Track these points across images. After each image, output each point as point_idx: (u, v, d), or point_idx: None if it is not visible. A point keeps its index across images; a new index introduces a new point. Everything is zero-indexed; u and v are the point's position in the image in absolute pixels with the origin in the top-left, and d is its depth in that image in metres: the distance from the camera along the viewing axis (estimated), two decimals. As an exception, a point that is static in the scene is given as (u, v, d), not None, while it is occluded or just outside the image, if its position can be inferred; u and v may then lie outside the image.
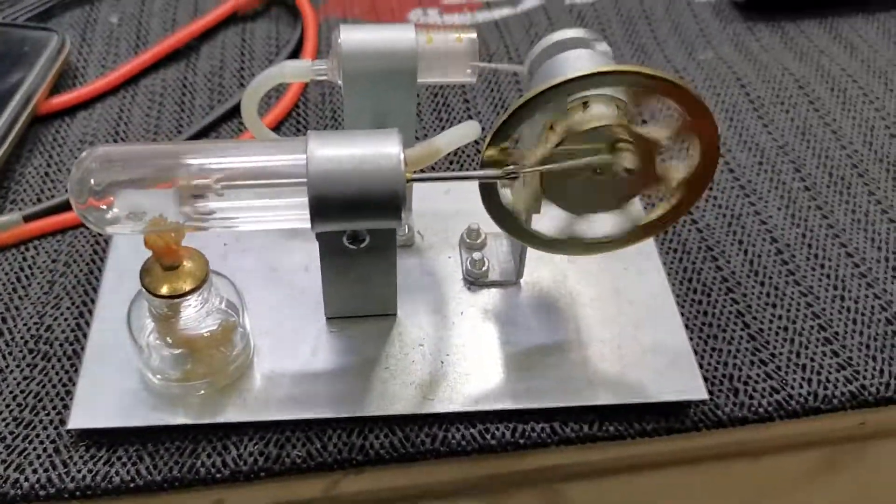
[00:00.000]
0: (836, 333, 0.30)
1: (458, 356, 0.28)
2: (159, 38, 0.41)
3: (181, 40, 0.41)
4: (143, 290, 0.24)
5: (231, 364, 0.27)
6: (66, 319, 0.30)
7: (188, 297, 0.25)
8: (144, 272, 0.24)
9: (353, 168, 0.23)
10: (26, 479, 0.25)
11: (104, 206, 0.23)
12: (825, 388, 0.28)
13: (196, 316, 0.26)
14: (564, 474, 0.29)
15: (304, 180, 0.23)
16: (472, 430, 0.27)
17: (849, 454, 0.32)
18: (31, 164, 0.35)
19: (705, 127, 0.24)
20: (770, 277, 0.32)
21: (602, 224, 0.27)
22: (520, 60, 0.42)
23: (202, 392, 0.27)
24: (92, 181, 0.22)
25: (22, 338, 0.29)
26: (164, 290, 0.24)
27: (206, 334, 0.26)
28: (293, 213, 0.24)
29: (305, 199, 0.23)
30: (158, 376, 0.26)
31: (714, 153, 0.24)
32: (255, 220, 0.24)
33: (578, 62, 0.25)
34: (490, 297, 0.30)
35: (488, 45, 0.43)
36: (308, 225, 0.24)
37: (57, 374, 0.28)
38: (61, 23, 0.42)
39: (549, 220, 0.27)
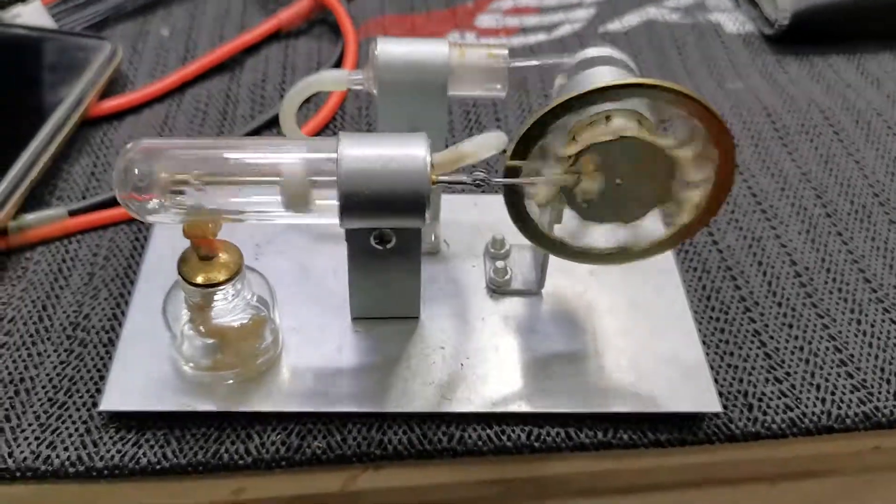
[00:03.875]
0: (852, 356, 0.30)
1: (478, 359, 0.29)
2: (206, 51, 0.43)
3: (227, 53, 0.43)
4: (180, 278, 0.26)
5: (259, 357, 0.28)
6: (102, 309, 0.31)
7: (221, 288, 0.26)
8: (182, 261, 0.26)
9: (382, 167, 0.24)
10: (57, 457, 0.26)
11: (144, 198, 0.24)
12: (839, 408, 0.29)
13: (228, 307, 0.27)
14: (578, 489, 0.30)
15: (335, 178, 0.24)
16: (488, 431, 0.28)
17: (865, 485, 0.32)
18: (78, 163, 0.37)
19: (723, 142, 0.24)
20: (788, 299, 0.32)
21: (625, 234, 0.28)
22: (552, 84, 0.43)
23: (230, 382, 0.28)
24: (136, 171, 0.24)
25: (61, 325, 0.30)
26: (199, 279, 0.26)
27: (237, 326, 0.27)
28: (324, 210, 0.25)
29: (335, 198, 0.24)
30: (190, 364, 0.28)
31: (730, 177, 0.25)
32: (288, 216, 0.25)
33: (602, 77, 0.27)
34: (511, 305, 0.31)
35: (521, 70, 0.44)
36: (335, 221, 0.25)
37: (92, 359, 0.29)
38: (115, 34, 0.44)
39: (571, 229, 0.27)
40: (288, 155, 0.24)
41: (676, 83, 0.24)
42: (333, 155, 0.24)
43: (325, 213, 0.25)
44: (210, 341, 0.27)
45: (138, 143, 0.24)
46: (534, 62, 0.29)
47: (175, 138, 0.25)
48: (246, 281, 0.27)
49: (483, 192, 0.37)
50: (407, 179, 0.24)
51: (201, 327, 0.27)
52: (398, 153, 0.24)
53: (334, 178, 0.24)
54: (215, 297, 0.26)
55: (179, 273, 0.26)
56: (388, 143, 0.24)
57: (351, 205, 0.24)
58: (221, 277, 0.26)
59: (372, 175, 0.24)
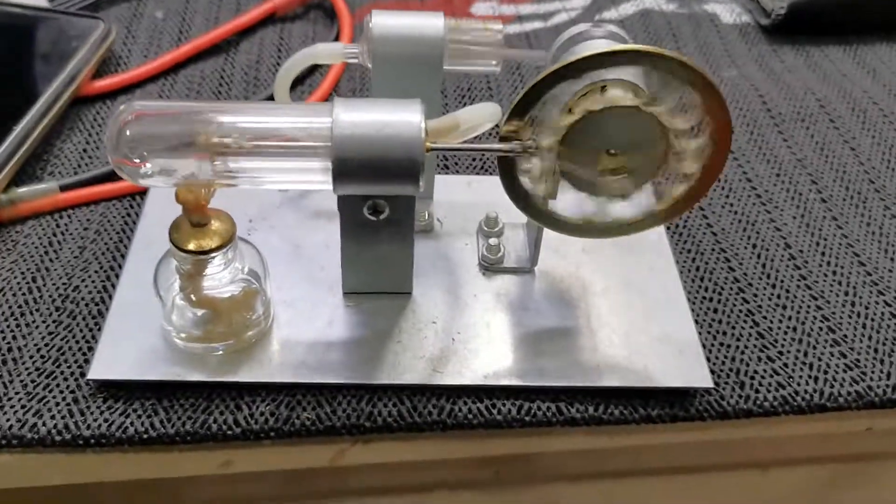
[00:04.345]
0: (845, 336, 0.30)
1: (470, 335, 0.29)
2: (201, 33, 0.43)
3: (221, 35, 0.43)
4: (171, 245, 0.25)
5: (250, 328, 0.28)
6: (93, 282, 0.31)
7: (213, 255, 0.26)
8: (173, 227, 0.26)
9: (376, 133, 0.24)
10: (44, 425, 0.26)
11: (137, 160, 0.24)
12: (831, 387, 0.28)
13: (220, 277, 0.27)
14: (568, 474, 0.30)
15: (329, 144, 0.24)
16: (479, 405, 0.27)
17: (858, 474, 0.32)
18: (70, 140, 0.37)
19: (716, 107, 0.24)
20: (782, 281, 0.32)
21: (619, 208, 0.27)
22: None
23: (220, 352, 0.28)
24: (127, 132, 0.24)
25: (50, 296, 0.30)
26: (191, 245, 0.25)
27: (228, 297, 0.27)
28: (317, 175, 0.25)
29: (329, 162, 0.24)
30: (181, 335, 0.27)
31: (727, 133, 0.25)
32: (280, 181, 0.25)
33: (598, 47, 0.26)
34: (504, 282, 0.31)
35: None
36: (328, 187, 0.25)
37: (81, 331, 0.29)
38: (109, 15, 0.44)
39: (565, 202, 0.27)
40: (280, 119, 0.24)
41: (664, 49, 0.24)
42: (327, 119, 0.24)
43: (317, 180, 0.25)
44: (201, 312, 0.27)
45: (131, 105, 0.24)
46: (527, 52, 0.29)
47: (167, 101, 0.25)
48: (238, 252, 0.27)
49: (477, 172, 0.37)
50: (401, 145, 0.24)
51: (192, 296, 0.27)
52: (393, 119, 0.24)
53: (328, 143, 0.24)
54: (207, 266, 0.26)
55: (171, 240, 0.25)
56: (383, 108, 0.24)
57: (344, 170, 0.24)
58: (213, 245, 0.25)
59: (366, 140, 0.24)
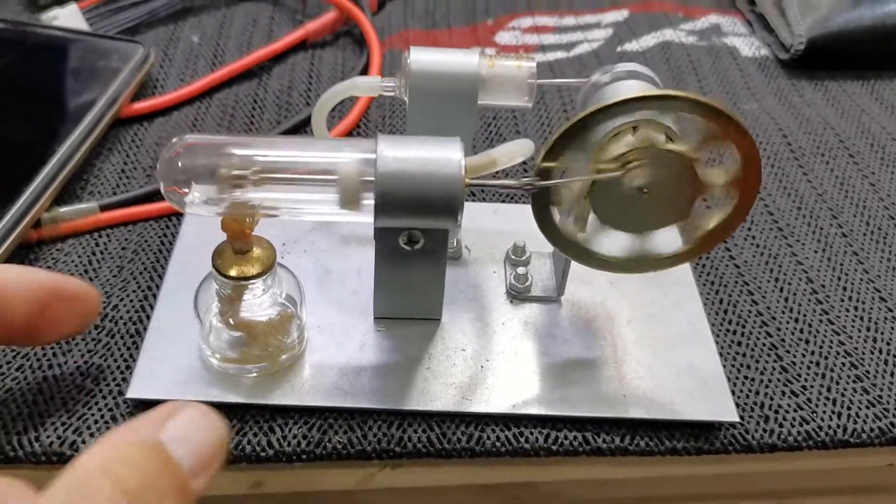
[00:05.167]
0: (868, 372, 0.31)
1: (498, 362, 0.30)
2: (235, 58, 0.44)
3: (255, 61, 0.44)
4: (214, 270, 0.26)
5: (285, 352, 0.29)
6: (131, 301, 0.31)
7: (253, 282, 0.26)
8: (216, 254, 0.26)
9: (418, 169, 0.25)
10: (83, 442, 0.27)
11: (185, 191, 0.25)
12: (854, 423, 0.29)
13: (258, 302, 0.27)
14: (594, 500, 0.30)
15: (373, 179, 0.25)
16: (506, 433, 0.28)
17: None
18: (109, 161, 0.38)
19: (738, 136, 0.25)
20: (804, 315, 0.33)
21: (648, 244, 0.28)
22: (571, 100, 0.44)
23: (254, 374, 0.28)
24: (179, 164, 0.25)
25: (90, 315, 0.31)
26: (233, 272, 0.26)
27: (264, 321, 0.28)
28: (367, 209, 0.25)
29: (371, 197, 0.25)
30: (217, 356, 0.28)
31: (755, 157, 0.25)
32: (320, 213, 0.26)
33: (631, 89, 0.27)
34: (531, 311, 0.32)
35: (541, 85, 0.45)
36: (368, 220, 0.26)
37: (119, 349, 0.30)
38: (147, 38, 0.45)
39: (596, 237, 0.28)
40: (326, 154, 0.25)
41: (682, 91, 0.24)
42: (372, 155, 0.25)
43: (367, 211, 0.25)
44: (237, 334, 0.28)
45: (183, 138, 0.25)
46: (562, 80, 0.30)
47: (217, 135, 0.26)
48: (277, 277, 0.28)
49: (503, 200, 0.38)
50: (442, 182, 0.25)
51: (230, 319, 0.28)
52: (434, 156, 0.25)
53: (372, 178, 0.25)
54: (246, 291, 0.27)
55: (213, 265, 0.26)
56: (425, 146, 0.25)
57: (386, 204, 0.25)
58: (254, 272, 0.26)
59: (408, 176, 0.25)
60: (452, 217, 0.25)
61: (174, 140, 0.25)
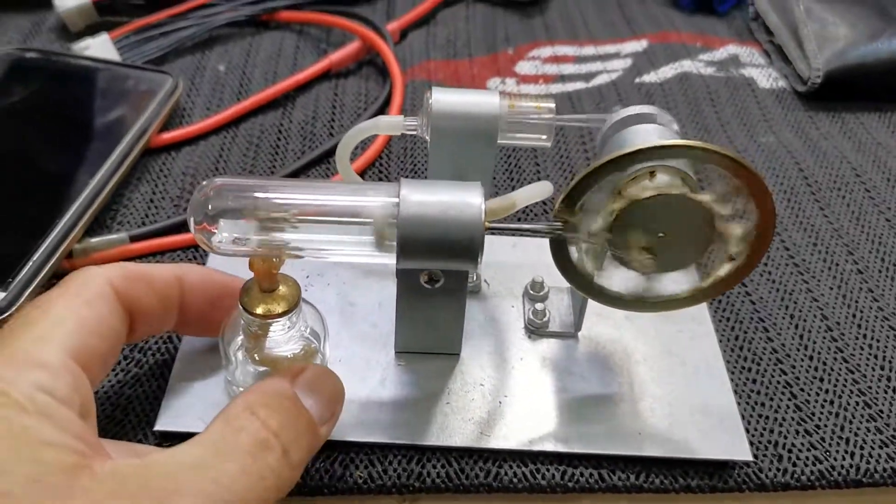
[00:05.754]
0: (881, 412, 0.31)
1: (516, 398, 0.30)
2: (260, 87, 0.45)
3: (279, 91, 0.45)
4: (240, 307, 0.27)
5: None
6: (160, 335, 0.32)
7: (279, 319, 0.27)
8: (244, 291, 0.27)
9: (440, 213, 0.25)
10: (114, 472, 0.28)
11: (214, 231, 0.26)
12: (868, 463, 0.29)
13: (283, 338, 0.28)
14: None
15: (395, 221, 0.25)
16: (524, 469, 0.29)
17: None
18: (138, 190, 0.39)
19: (758, 190, 0.26)
20: (819, 353, 0.33)
21: (664, 285, 0.29)
22: (590, 134, 0.44)
23: None
24: (209, 206, 0.25)
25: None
26: (259, 310, 0.27)
27: (289, 356, 0.29)
28: (378, 249, 0.26)
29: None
30: (241, 389, 0.29)
31: (771, 221, 0.26)
32: (344, 254, 0.27)
33: (647, 134, 0.28)
34: (549, 346, 0.32)
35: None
36: (391, 262, 0.26)
37: (148, 381, 0.31)
38: (174, 67, 0.47)
39: (612, 277, 0.29)
40: (350, 197, 0.26)
41: (723, 146, 0.25)
42: (395, 199, 0.26)
43: (379, 254, 0.26)
44: (262, 369, 0.29)
45: (213, 181, 0.26)
46: (579, 118, 0.31)
47: (245, 177, 0.27)
48: (301, 314, 0.29)
49: (522, 234, 0.38)
50: (463, 226, 0.25)
51: (255, 355, 0.28)
52: (455, 200, 0.26)
53: (394, 220, 0.25)
54: (272, 328, 0.28)
55: (240, 302, 0.27)
56: (446, 190, 0.26)
57: (408, 247, 0.26)
58: (280, 310, 0.27)
59: (430, 220, 0.25)
60: (473, 260, 0.26)
61: (204, 182, 0.26)
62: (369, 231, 0.26)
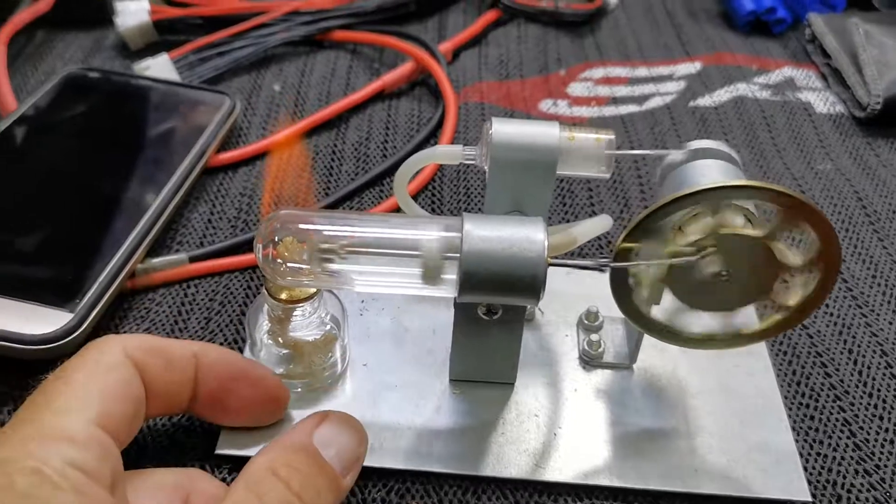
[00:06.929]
0: (945, 454, 0.30)
1: (571, 430, 0.30)
2: (315, 106, 0.46)
3: (334, 112, 0.45)
4: (265, 291, 0.29)
5: (327, 370, 0.31)
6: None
7: (301, 305, 0.29)
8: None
9: (502, 249, 0.26)
10: (176, 493, 0.28)
11: (280, 260, 0.27)
12: (931, 507, 0.29)
13: (305, 323, 0.30)
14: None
15: (458, 255, 0.26)
16: (579, 503, 0.29)
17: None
18: (197, 210, 0.40)
19: (829, 246, 0.25)
20: (878, 390, 0.33)
21: (720, 323, 0.29)
22: (645, 166, 0.44)
23: (298, 390, 0.31)
24: (276, 238, 0.26)
25: (179, 365, 0.33)
26: (284, 295, 0.29)
27: (310, 340, 0.30)
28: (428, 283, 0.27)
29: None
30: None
31: (831, 282, 0.26)
32: (394, 287, 0.27)
33: (710, 170, 0.28)
34: (603, 377, 0.32)
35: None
36: (450, 296, 0.27)
37: (207, 401, 0.31)
38: (231, 87, 0.48)
39: (668, 313, 0.29)
40: (421, 231, 0.26)
41: (787, 188, 0.25)
42: (458, 234, 0.26)
43: (446, 287, 0.26)
44: (285, 352, 0.30)
45: (280, 212, 0.27)
46: (639, 154, 0.30)
47: (311, 211, 0.28)
48: (322, 300, 0.30)
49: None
50: (526, 263, 0.26)
51: (279, 338, 0.30)
52: (518, 236, 0.26)
53: (457, 255, 0.26)
54: (294, 313, 0.29)
55: (265, 288, 0.29)
56: (509, 225, 0.26)
57: (470, 282, 0.26)
58: (303, 296, 0.29)
59: (493, 256, 0.26)
60: (535, 296, 0.26)
61: (270, 214, 0.27)
62: (418, 264, 0.26)
